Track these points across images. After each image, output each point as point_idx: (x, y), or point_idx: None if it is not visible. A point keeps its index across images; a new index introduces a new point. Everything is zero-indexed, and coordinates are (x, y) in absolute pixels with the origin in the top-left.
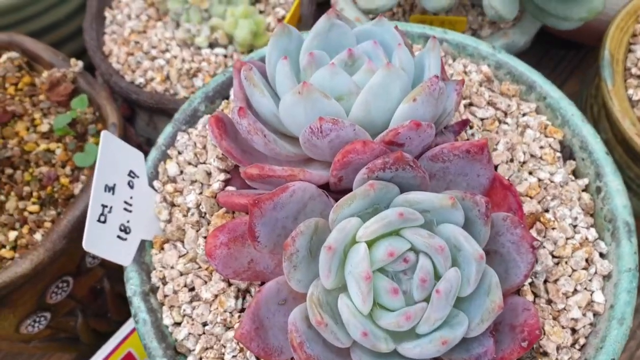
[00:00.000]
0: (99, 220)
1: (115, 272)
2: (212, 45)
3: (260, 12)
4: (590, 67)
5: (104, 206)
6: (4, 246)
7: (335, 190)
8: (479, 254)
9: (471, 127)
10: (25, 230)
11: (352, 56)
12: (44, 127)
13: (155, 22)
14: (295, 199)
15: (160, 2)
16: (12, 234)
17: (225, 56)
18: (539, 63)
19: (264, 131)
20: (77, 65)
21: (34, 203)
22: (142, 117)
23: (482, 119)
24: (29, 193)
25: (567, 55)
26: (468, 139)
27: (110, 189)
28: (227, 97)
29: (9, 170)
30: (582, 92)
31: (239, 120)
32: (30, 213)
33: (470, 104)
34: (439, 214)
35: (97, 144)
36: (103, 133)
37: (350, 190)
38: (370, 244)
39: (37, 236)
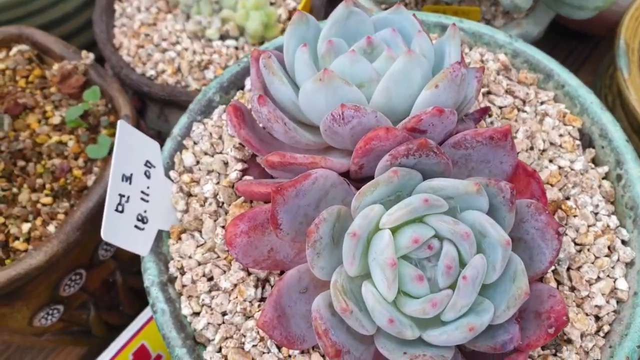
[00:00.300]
0: (116, 210)
1: (127, 265)
2: (223, 37)
3: (271, 3)
4: (602, 58)
5: (121, 196)
6: (17, 238)
7: (356, 179)
8: (505, 240)
9: (490, 116)
10: (38, 222)
11: (371, 44)
12: (55, 120)
13: (165, 14)
14: (317, 187)
15: None
16: (26, 226)
17: (237, 48)
18: (550, 54)
19: (284, 119)
20: (88, 57)
21: (47, 195)
22: (152, 110)
23: (500, 107)
24: (41, 185)
25: (578, 47)
26: (487, 127)
27: (127, 178)
28: (242, 88)
29: (21, 163)
30: (595, 82)
31: (259, 108)
32: (44, 205)
33: (489, 92)
34: (463, 200)
35: (109, 135)
36: (119, 122)
37: (370, 178)
38: (393, 231)
39: (51, 228)
